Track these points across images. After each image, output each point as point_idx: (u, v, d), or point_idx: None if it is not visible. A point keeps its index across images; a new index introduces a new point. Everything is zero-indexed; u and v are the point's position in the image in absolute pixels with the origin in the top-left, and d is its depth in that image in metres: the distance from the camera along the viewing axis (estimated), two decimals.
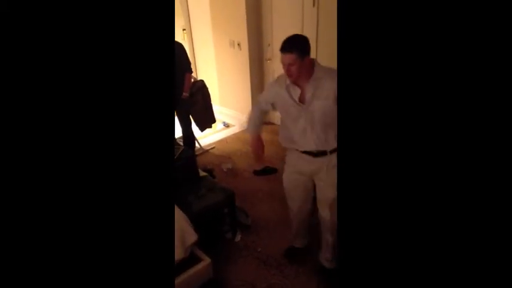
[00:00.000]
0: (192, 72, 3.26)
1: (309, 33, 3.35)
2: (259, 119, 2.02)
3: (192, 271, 1.96)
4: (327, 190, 1.87)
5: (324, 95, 1.70)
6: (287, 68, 1.66)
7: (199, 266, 2.00)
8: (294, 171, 1.97)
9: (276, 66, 3.91)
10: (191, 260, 2.01)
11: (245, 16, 3.71)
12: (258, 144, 2.01)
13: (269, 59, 3.92)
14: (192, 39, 4.92)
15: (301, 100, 1.74)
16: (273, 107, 1.91)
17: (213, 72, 4.54)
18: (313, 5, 3.22)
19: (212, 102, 3.60)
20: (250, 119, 2.02)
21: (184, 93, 3.17)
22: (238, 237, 2.48)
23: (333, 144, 1.81)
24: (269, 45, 3.85)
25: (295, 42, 1.66)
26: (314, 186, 1.98)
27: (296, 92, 1.74)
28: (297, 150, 1.88)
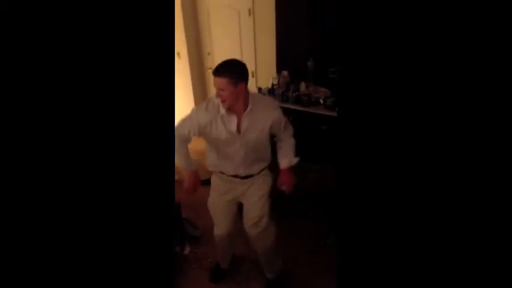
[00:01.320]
0: None
1: (247, 42, 3.42)
2: (186, 149, 1.83)
3: None
4: (253, 208, 1.88)
5: (259, 127, 1.70)
6: (218, 92, 1.58)
7: None
8: (221, 195, 1.92)
9: None
10: None
11: (182, 25, 3.69)
12: (195, 180, 1.85)
13: (210, 68, 3.92)
14: None
15: (238, 129, 1.68)
16: (199, 133, 1.74)
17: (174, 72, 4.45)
18: (249, 14, 3.29)
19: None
20: (178, 153, 1.79)
21: None
22: (187, 250, 2.44)
23: (261, 167, 1.86)
24: (209, 53, 3.85)
25: (229, 67, 1.58)
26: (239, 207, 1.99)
27: (232, 121, 1.67)
28: (224, 174, 1.85)
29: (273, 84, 3.05)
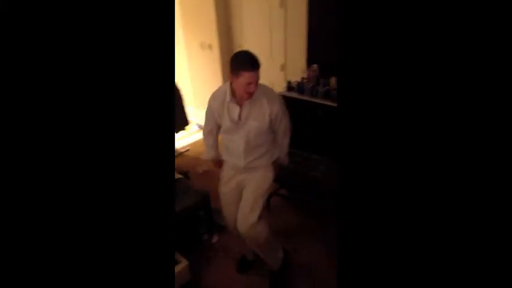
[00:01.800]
0: None
1: (278, 35, 3.42)
2: (213, 139, 2.04)
3: None
4: (245, 199, 1.90)
5: (260, 116, 1.74)
6: (250, 86, 1.62)
7: (177, 268, 2.02)
8: (226, 184, 2.00)
9: None
10: None
11: (215, 17, 3.74)
12: (218, 163, 2.10)
13: None
14: None
15: (239, 117, 1.76)
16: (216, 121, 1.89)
17: (186, 74, 4.54)
18: (280, 6, 3.28)
19: (186, 104, 3.61)
20: (208, 146, 2.07)
21: None
22: (215, 239, 2.52)
23: (262, 163, 1.91)
24: (240, 46, 3.88)
25: (257, 59, 1.64)
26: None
27: (235, 110, 1.74)
28: (228, 161, 1.97)
29: (302, 78, 3.04)
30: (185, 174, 3.14)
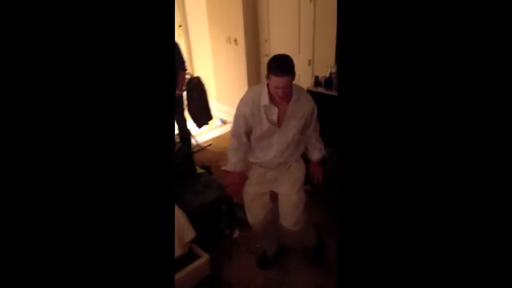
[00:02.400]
0: (185, 70, 3.25)
1: (306, 30, 3.34)
2: (243, 151, 1.87)
3: (190, 268, 1.96)
4: (289, 193, 1.90)
5: (299, 115, 1.75)
6: (283, 91, 1.60)
7: (198, 263, 2.00)
8: (253, 184, 1.96)
9: None
10: (189, 256, 2.01)
11: (241, 12, 3.70)
12: (240, 181, 1.93)
13: (266, 55, 3.91)
14: (188, 35, 4.90)
15: (279, 119, 1.74)
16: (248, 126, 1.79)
17: (210, 69, 4.53)
18: (310, 0, 3.20)
19: (209, 98, 3.59)
20: (234, 152, 1.86)
21: (177, 92, 3.16)
22: (236, 234, 2.48)
23: (297, 157, 1.93)
24: (266, 41, 3.83)
25: (290, 65, 1.60)
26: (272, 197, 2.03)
27: (274, 112, 1.71)
28: (257, 163, 1.92)
29: (330, 73, 2.96)
30: (207, 169, 3.12)
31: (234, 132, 1.82)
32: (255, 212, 2.01)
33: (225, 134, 4.07)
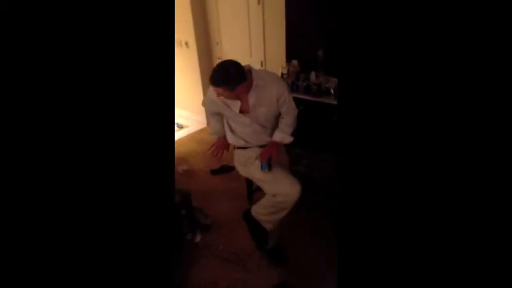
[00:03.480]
0: None
1: (256, 31, 3.40)
2: (216, 118, 2.08)
3: None
4: (284, 177, 1.92)
5: (267, 101, 1.76)
6: (217, 94, 1.70)
7: None
8: (249, 166, 2.00)
9: None
10: None
11: (191, 14, 3.68)
12: (224, 143, 2.10)
13: (219, 58, 3.92)
14: None
15: (244, 110, 1.78)
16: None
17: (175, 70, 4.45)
18: (258, 2, 3.26)
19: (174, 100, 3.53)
20: (212, 123, 2.14)
21: None
22: (198, 238, 2.47)
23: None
24: (217, 43, 3.84)
25: (224, 77, 1.60)
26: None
27: (236, 104, 1.76)
28: (249, 147, 1.98)
29: (282, 74, 3.04)
30: None
31: (206, 102, 2.00)
32: (290, 179, 1.85)
33: (183, 138, 4.02)
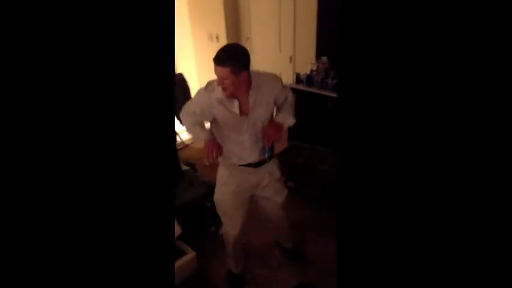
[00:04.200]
0: None
1: (287, 27, 3.38)
2: (198, 126, 1.75)
3: (176, 264, 1.98)
4: (277, 196, 1.92)
5: (265, 101, 1.63)
6: (219, 81, 1.50)
7: (184, 259, 2.02)
8: (233, 190, 1.81)
9: (253, 60, 3.91)
10: (176, 253, 2.04)
11: (223, 8, 3.70)
12: (214, 145, 1.72)
13: None
14: None
15: (242, 112, 1.61)
16: (202, 115, 1.69)
17: (192, 66, 4.51)
18: None
19: (192, 95, 3.59)
20: (191, 131, 1.79)
21: None
22: (221, 230, 2.51)
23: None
24: (247, 38, 3.85)
25: (231, 55, 1.48)
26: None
27: (234, 104, 1.59)
28: (234, 164, 1.76)
29: (311, 70, 3.01)
30: (192, 166, 3.13)
31: (187, 110, 1.71)
32: (238, 221, 1.89)
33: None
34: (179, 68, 4.84)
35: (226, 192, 1.82)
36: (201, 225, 2.49)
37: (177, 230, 2.01)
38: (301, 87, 3.01)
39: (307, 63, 3.12)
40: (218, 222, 2.52)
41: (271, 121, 1.71)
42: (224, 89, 1.52)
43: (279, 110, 1.76)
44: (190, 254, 2.06)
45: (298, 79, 3.08)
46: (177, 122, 3.55)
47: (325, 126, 1.99)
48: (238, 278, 2.15)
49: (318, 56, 3.08)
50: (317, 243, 2.36)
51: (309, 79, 2.96)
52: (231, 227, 1.92)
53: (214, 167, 3.28)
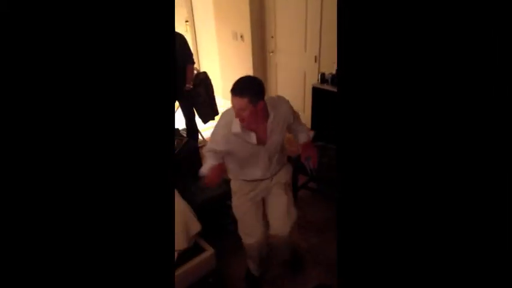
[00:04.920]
0: (194, 63, 3.25)
1: (313, 26, 3.34)
2: (214, 160, 1.72)
3: (195, 261, 1.98)
4: (280, 207, 1.88)
5: (279, 127, 1.69)
6: (237, 112, 1.53)
7: (203, 256, 2.02)
8: (247, 196, 1.85)
9: (278, 59, 3.90)
10: (195, 250, 2.03)
11: (248, 7, 3.70)
12: (218, 171, 1.68)
13: (272, 52, 3.91)
14: (194, 30, 4.91)
15: (259, 141, 1.66)
16: (224, 151, 1.71)
17: (216, 64, 4.54)
18: None
19: (215, 94, 3.60)
20: (206, 163, 1.75)
21: (187, 85, 3.17)
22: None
23: (284, 162, 1.89)
24: (272, 37, 3.83)
25: (247, 86, 1.52)
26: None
27: (252, 137, 1.63)
28: (246, 180, 1.82)
29: (337, 70, 2.96)
30: None
31: (209, 148, 1.73)
32: (251, 228, 1.88)
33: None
34: (203, 66, 4.88)
35: (239, 199, 1.87)
36: (220, 223, 2.49)
37: (197, 226, 2.01)
38: (326, 87, 2.97)
39: (332, 63, 3.07)
40: (236, 221, 2.52)
41: (304, 145, 1.82)
42: (242, 120, 1.55)
43: (293, 129, 1.85)
44: (209, 251, 2.05)
45: (323, 79, 3.03)
46: (199, 121, 3.59)
47: (326, 123, 1.96)
48: (258, 279, 2.13)
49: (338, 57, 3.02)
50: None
51: (334, 79, 2.91)
52: (247, 236, 1.92)
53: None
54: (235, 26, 3.96)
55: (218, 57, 4.45)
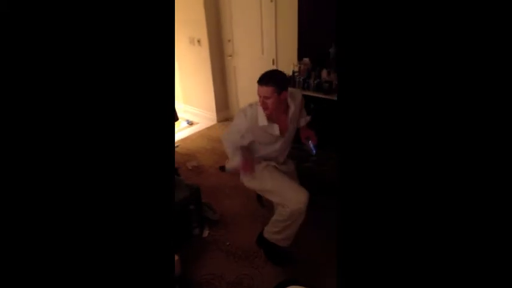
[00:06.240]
0: None
1: (268, 29, 3.40)
2: (241, 149, 1.91)
3: None
4: (293, 178, 2.12)
5: (295, 117, 1.93)
6: (262, 100, 1.72)
7: None
8: (273, 167, 2.04)
9: (236, 63, 3.93)
10: None
11: (204, 12, 3.70)
12: (248, 163, 1.88)
13: (230, 55, 3.93)
14: None
15: (281, 133, 1.88)
16: (246, 142, 1.94)
17: (175, 70, 4.48)
18: (271, 0, 3.26)
19: (175, 100, 3.56)
20: (233, 154, 1.94)
21: None
22: (206, 233, 2.48)
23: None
24: (229, 41, 3.85)
25: (273, 76, 1.72)
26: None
27: (275, 129, 1.84)
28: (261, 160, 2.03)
29: (293, 72, 3.03)
30: (175, 170, 3.09)
31: (231, 139, 1.92)
32: (295, 191, 1.88)
33: (192, 135, 4.05)
34: None
35: (268, 174, 1.97)
36: (184, 228, 2.45)
37: None
38: None
39: (289, 65, 3.14)
40: (202, 224, 2.49)
41: (302, 128, 2.07)
42: (265, 108, 1.74)
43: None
44: (174, 258, 2.01)
45: None
46: None
47: (308, 126, 2.08)
48: (289, 251, 2.14)
49: (300, 58, 3.10)
50: (308, 241, 2.34)
51: (292, 80, 2.98)
52: (293, 201, 1.87)
53: (196, 170, 3.27)
54: (191, 31, 3.94)
55: (176, 62, 4.40)
